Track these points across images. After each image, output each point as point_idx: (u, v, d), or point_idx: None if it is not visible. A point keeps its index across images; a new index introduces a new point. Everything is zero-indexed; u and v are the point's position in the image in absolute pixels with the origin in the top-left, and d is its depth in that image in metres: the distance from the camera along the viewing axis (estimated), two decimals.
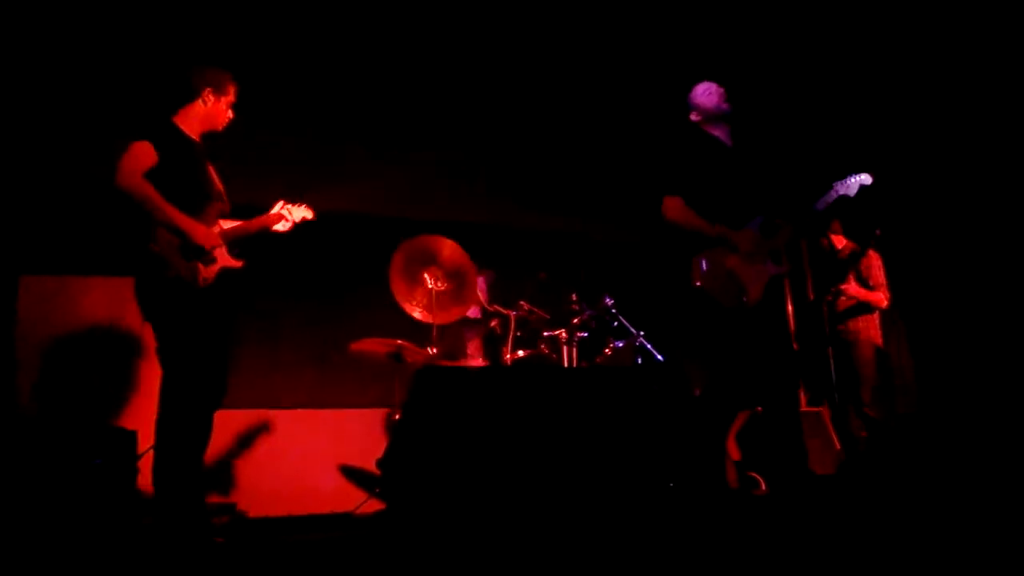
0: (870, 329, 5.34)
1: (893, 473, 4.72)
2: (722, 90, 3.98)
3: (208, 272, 3.39)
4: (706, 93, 3.98)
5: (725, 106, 3.95)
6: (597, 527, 2.93)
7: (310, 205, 3.90)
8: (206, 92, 3.56)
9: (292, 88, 5.25)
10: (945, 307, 6.34)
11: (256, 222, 3.68)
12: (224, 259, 3.48)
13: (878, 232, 5.22)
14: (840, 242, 5.60)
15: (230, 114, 3.66)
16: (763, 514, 3.44)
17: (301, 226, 4.08)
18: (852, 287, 5.32)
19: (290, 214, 3.80)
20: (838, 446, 5.56)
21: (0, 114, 4.92)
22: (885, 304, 5.36)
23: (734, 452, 5.37)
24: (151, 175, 3.27)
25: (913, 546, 2.46)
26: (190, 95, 3.55)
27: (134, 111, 4.45)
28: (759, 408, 5.08)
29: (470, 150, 6.18)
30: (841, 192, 3.82)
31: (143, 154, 3.27)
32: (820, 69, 5.67)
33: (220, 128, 3.66)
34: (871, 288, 5.33)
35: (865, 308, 5.34)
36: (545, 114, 5.88)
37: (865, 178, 3.82)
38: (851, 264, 5.34)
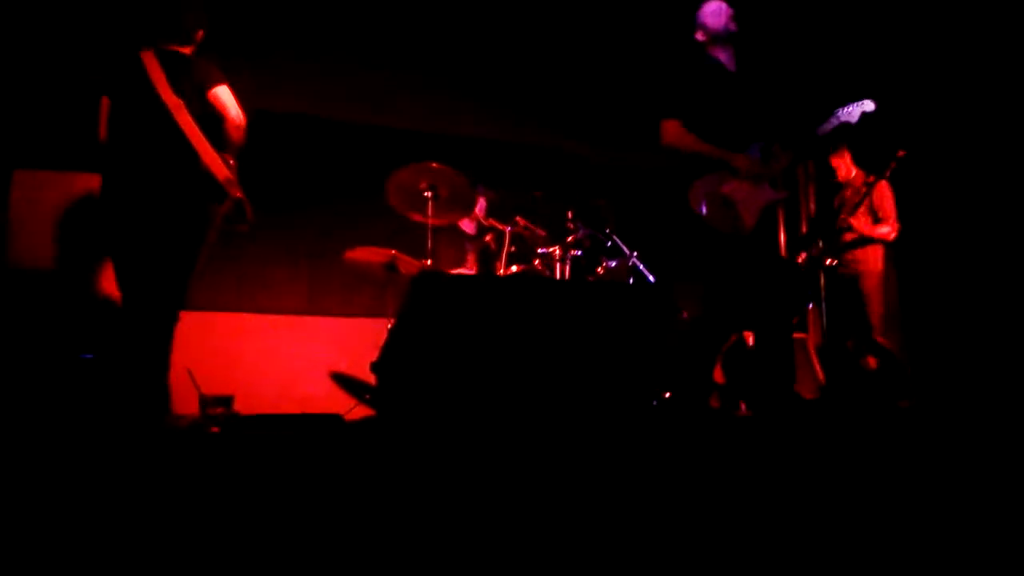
0: (878, 260, 5.34)
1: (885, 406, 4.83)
2: (731, 11, 3.90)
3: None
4: (715, 13, 3.90)
5: (733, 27, 3.88)
6: (580, 440, 2.99)
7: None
8: (199, 34, 3.77)
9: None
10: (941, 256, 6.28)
11: None
12: None
13: (901, 153, 5.08)
14: (850, 170, 5.55)
15: None
16: (745, 435, 3.51)
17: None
18: (861, 221, 5.26)
19: None
20: (820, 374, 5.65)
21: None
22: (893, 237, 5.30)
23: (719, 375, 5.45)
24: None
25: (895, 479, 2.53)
26: (189, 37, 3.75)
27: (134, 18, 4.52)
28: (747, 332, 5.14)
29: (474, 64, 6.09)
30: (843, 119, 3.77)
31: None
32: None
33: None
34: (880, 220, 5.30)
35: (871, 239, 5.32)
36: (548, 30, 5.78)
37: (868, 105, 3.75)
38: (865, 195, 5.25)
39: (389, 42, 5.71)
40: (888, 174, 5.17)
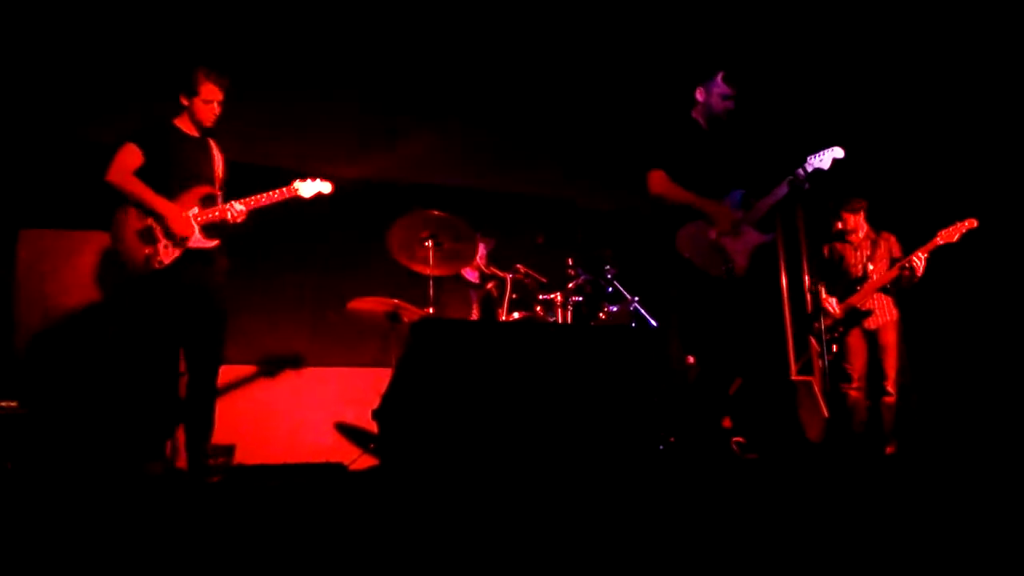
0: (893, 309, 5.20)
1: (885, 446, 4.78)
2: (732, 103, 3.96)
3: (166, 256, 3.79)
4: (722, 96, 3.95)
5: (726, 112, 3.96)
6: (588, 485, 2.98)
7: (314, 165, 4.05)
8: (180, 98, 3.94)
9: (302, 58, 5.26)
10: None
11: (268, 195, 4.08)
12: (196, 241, 3.85)
13: (974, 224, 4.89)
14: (861, 226, 5.43)
15: (215, 108, 3.95)
16: (754, 477, 3.50)
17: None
18: (879, 269, 5.23)
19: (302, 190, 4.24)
20: (826, 414, 5.61)
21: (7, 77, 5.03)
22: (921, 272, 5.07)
23: (725, 419, 5.41)
24: (141, 170, 3.82)
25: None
26: (176, 100, 3.96)
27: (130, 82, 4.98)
28: (746, 377, 5.09)
29: (475, 118, 6.17)
30: (815, 165, 3.84)
31: (129, 155, 3.82)
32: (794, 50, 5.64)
33: (208, 124, 3.99)
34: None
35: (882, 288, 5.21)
36: (550, 83, 5.87)
37: (838, 151, 3.83)
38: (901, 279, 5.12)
39: (389, 97, 5.80)
40: (957, 239, 5.03)
